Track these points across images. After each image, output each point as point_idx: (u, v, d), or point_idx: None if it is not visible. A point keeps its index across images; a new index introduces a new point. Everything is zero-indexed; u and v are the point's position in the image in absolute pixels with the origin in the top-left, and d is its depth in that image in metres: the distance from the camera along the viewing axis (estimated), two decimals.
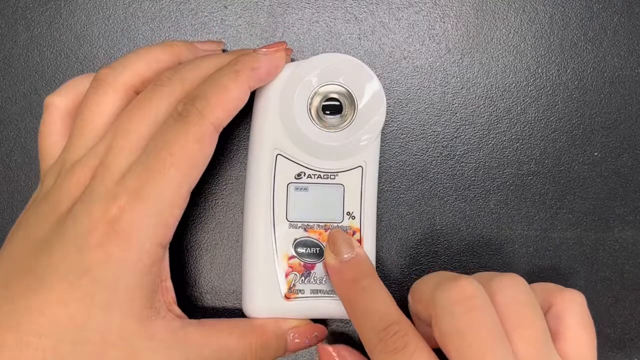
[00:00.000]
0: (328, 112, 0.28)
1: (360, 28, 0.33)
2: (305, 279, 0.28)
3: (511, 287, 0.24)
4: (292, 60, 0.30)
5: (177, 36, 0.32)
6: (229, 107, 0.26)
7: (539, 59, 0.33)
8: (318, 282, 0.28)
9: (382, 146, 0.32)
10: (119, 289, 0.23)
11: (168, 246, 0.26)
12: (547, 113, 0.33)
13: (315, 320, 0.29)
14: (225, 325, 0.27)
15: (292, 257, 0.28)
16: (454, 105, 0.33)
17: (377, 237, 0.30)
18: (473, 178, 0.33)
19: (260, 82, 0.27)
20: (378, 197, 0.30)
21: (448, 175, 0.33)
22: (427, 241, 0.33)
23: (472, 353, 0.22)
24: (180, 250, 0.32)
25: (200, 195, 0.32)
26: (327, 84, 0.28)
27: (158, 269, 0.25)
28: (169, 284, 0.27)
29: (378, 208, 0.30)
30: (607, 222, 0.33)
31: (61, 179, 0.25)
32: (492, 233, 0.33)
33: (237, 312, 0.32)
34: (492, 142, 0.33)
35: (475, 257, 0.33)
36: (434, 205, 0.33)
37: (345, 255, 0.27)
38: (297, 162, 0.28)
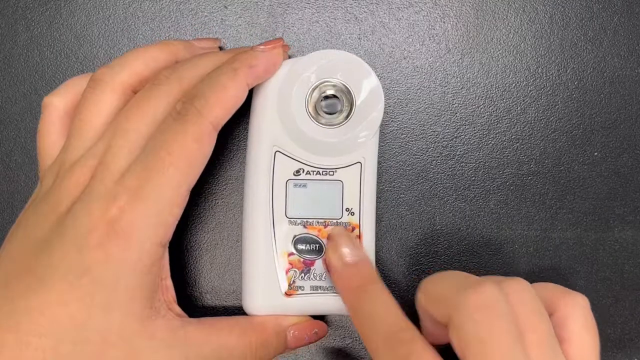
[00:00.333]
0: (326, 108, 0.28)
1: (360, 28, 0.33)
2: (305, 276, 0.28)
3: (519, 291, 0.24)
4: (290, 57, 0.30)
5: (177, 36, 0.32)
6: (227, 105, 0.26)
7: (539, 59, 0.33)
8: (318, 278, 0.28)
9: (382, 146, 0.32)
10: (119, 289, 0.23)
11: (168, 245, 0.25)
12: (547, 113, 0.33)
13: (315, 317, 0.29)
14: (225, 324, 0.27)
15: (291, 253, 0.28)
16: (454, 105, 0.33)
17: (377, 237, 0.30)
18: (473, 178, 0.33)
19: (258, 80, 0.27)
20: (378, 197, 0.30)
21: (448, 175, 0.33)
22: (427, 241, 0.33)
23: None
24: (180, 250, 0.32)
25: (200, 195, 0.32)
26: (325, 81, 0.28)
27: (158, 269, 0.25)
28: (169, 282, 0.27)
29: (378, 208, 0.30)
30: (607, 222, 0.33)
31: (60, 179, 0.25)
32: (492, 233, 0.33)
33: (237, 312, 0.32)
34: (492, 142, 0.33)
35: (475, 257, 0.33)
36: (434, 205, 0.33)
37: (348, 258, 0.27)
38: (296, 158, 0.28)
